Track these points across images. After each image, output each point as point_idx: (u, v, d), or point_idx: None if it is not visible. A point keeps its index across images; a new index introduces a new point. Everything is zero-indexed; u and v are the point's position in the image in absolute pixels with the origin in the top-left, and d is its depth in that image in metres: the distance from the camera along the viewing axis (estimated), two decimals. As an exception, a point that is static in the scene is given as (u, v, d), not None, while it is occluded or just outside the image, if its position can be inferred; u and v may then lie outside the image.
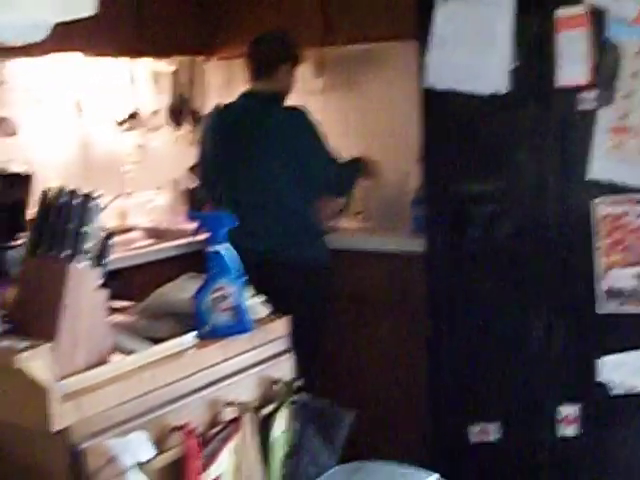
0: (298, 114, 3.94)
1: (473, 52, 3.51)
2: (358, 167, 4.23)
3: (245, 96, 4.05)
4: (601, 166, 3.33)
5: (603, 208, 3.31)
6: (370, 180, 4.39)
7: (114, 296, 2.25)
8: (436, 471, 2.62)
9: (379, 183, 4.48)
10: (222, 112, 4.14)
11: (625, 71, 3.26)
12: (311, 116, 3.95)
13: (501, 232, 3.57)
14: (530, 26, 3.41)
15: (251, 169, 3.88)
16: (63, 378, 1.93)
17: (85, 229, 2.02)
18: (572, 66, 3.35)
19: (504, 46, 3.45)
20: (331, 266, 3.99)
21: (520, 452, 3.60)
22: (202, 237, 2.52)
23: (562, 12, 3.35)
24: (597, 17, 3.28)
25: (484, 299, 3.62)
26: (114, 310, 2.42)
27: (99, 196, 2.10)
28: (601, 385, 3.39)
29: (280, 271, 3.79)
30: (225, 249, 2.27)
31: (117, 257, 3.17)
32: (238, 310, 2.28)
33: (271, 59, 4.01)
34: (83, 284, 2.03)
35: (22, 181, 3.95)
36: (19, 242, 3.34)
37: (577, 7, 3.31)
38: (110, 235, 2.12)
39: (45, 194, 2.09)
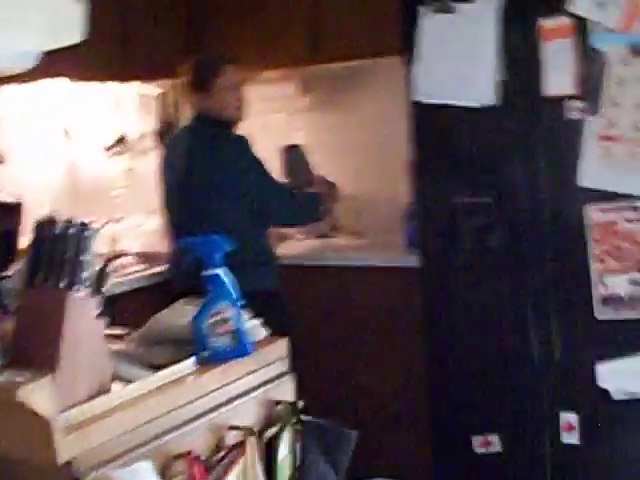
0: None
1: (459, 65, 3.52)
2: (315, 197, 4.12)
3: None
4: (591, 174, 3.34)
5: (595, 214, 3.32)
6: (333, 205, 4.32)
7: (107, 323, 2.23)
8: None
9: (370, 199, 4.47)
10: None
11: (611, 79, 3.27)
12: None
13: (495, 242, 3.57)
14: (515, 37, 3.43)
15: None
16: (65, 409, 1.91)
17: (82, 258, 2.00)
18: (558, 76, 3.36)
19: (489, 58, 3.46)
20: (280, 290, 3.90)
21: (524, 461, 3.60)
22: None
23: (546, 22, 3.37)
24: (581, 26, 3.29)
25: (481, 310, 3.62)
26: (111, 338, 2.40)
27: (94, 224, 2.09)
28: (601, 391, 3.38)
29: None
30: (222, 272, 2.26)
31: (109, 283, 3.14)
32: (238, 333, 2.26)
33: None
34: (82, 313, 2.01)
35: (12, 210, 3.94)
36: (11, 272, 3.33)
37: (561, 17, 3.33)
38: (107, 262, 2.11)
39: (40, 223, 2.08)
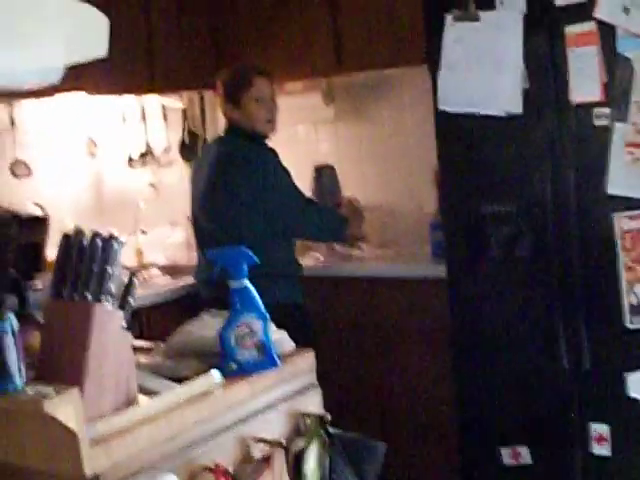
0: None
1: (484, 73, 3.49)
2: (341, 218, 4.07)
3: None
4: (619, 181, 3.29)
5: (625, 222, 3.28)
6: (357, 226, 4.30)
7: (134, 336, 2.23)
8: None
9: (395, 209, 4.45)
10: None
11: (639, 85, 3.24)
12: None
13: (522, 252, 3.53)
14: (540, 44, 3.40)
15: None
16: (92, 422, 1.91)
17: (109, 270, 2.00)
18: (585, 82, 3.33)
19: (515, 66, 3.43)
20: (304, 303, 3.87)
21: (554, 473, 3.55)
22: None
23: (572, 29, 3.33)
24: (608, 32, 3.26)
25: (509, 320, 3.58)
26: (137, 350, 2.39)
27: (120, 236, 2.09)
28: (632, 401, 3.34)
29: None
30: (249, 284, 2.25)
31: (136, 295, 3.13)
32: (264, 345, 2.25)
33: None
34: (109, 326, 2.00)
35: (39, 223, 3.96)
36: (39, 284, 3.34)
37: (587, 23, 3.29)
38: (134, 275, 2.10)
39: (67, 236, 2.08)
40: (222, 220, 3.78)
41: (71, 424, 1.81)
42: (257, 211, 3.72)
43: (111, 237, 2.03)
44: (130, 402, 2.05)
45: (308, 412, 2.38)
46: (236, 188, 3.71)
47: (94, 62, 2.40)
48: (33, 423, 1.88)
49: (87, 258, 2.01)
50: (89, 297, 1.99)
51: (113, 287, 2.03)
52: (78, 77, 3.60)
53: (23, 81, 2.24)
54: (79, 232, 2.07)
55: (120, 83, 4.27)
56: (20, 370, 1.88)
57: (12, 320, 1.89)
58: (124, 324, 2.06)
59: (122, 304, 2.07)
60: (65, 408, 1.81)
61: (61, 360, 2.00)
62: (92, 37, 2.29)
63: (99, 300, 2.00)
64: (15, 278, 2.68)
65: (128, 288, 2.09)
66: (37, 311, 2.48)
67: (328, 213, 4.05)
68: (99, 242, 2.02)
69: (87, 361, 1.95)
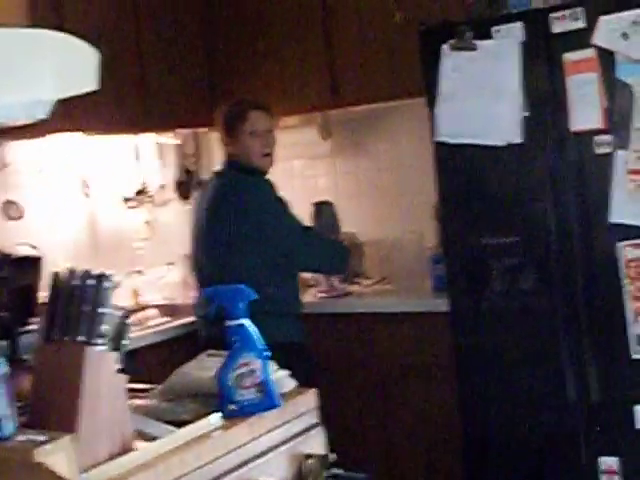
0: None
1: (482, 103, 3.47)
2: (344, 248, 4.05)
3: None
4: (622, 209, 3.27)
5: (629, 251, 3.25)
6: (357, 262, 4.24)
7: (131, 378, 2.16)
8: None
9: (395, 244, 4.40)
10: None
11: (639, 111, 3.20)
12: None
13: (525, 283, 3.49)
14: (539, 73, 3.39)
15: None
16: (86, 470, 1.84)
17: (100, 311, 1.94)
18: (585, 110, 3.31)
19: (514, 95, 3.41)
20: (305, 342, 3.80)
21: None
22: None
23: (570, 56, 3.32)
24: (606, 59, 3.24)
25: (514, 354, 3.54)
26: (133, 393, 2.33)
27: (111, 275, 2.03)
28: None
29: None
30: (247, 323, 2.19)
31: (132, 337, 3.07)
32: (265, 385, 2.19)
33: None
34: (101, 368, 1.94)
35: (32, 264, 3.89)
36: (31, 327, 3.28)
37: (585, 50, 3.27)
38: (127, 315, 2.04)
39: (56, 276, 2.02)
40: (221, 255, 3.72)
41: (64, 473, 1.75)
42: (256, 244, 3.66)
43: (102, 276, 1.97)
44: (126, 448, 1.99)
45: (311, 453, 2.32)
46: (234, 223, 3.66)
47: (88, 103, 2.36)
48: (24, 472, 1.81)
49: (77, 298, 1.96)
50: (80, 339, 1.93)
51: (105, 328, 1.96)
52: (72, 118, 3.60)
53: (10, 116, 2.19)
54: (69, 272, 2.01)
55: (114, 123, 4.23)
56: (10, 417, 1.82)
57: (2, 365, 1.83)
58: (118, 366, 2.00)
59: (116, 345, 2.01)
60: (57, 456, 1.75)
61: (53, 405, 1.95)
62: (82, 71, 2.25)
63: (91, 342, 1.94)
64: (6, 322, 2.62)
65: (121, 329, 2.03)
66: (29, 355, 2.42)
67: (330, 243, 4.00)
68: (89, 282, 1.96)
69: (80, 406, 1.89)
